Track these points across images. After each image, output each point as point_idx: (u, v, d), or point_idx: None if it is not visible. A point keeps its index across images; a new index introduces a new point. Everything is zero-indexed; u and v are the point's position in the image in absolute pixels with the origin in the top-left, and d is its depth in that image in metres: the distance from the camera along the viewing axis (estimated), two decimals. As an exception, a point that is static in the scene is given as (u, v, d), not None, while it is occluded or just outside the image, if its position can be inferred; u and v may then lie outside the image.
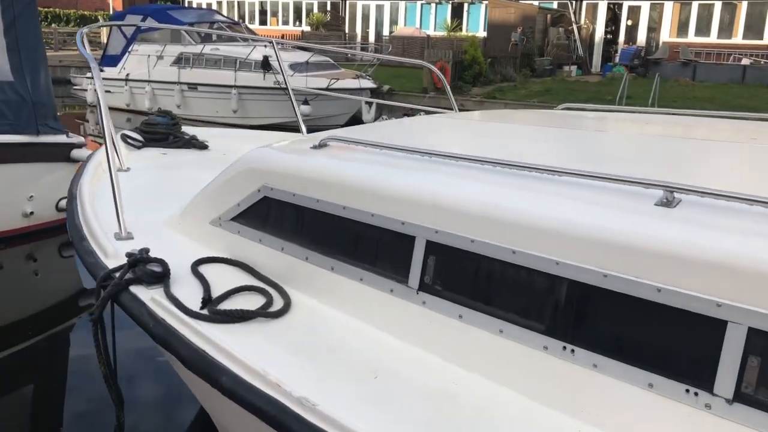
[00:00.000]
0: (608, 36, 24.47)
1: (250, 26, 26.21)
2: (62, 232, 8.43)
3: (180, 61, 17.72)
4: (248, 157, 2.76)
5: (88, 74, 18.33)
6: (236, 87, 16.57)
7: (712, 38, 22.16)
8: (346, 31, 29.15)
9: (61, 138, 7.59)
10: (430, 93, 17.49)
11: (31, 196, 7.56)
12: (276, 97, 16.30)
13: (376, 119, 17.07)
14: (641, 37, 23.61)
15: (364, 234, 2.31)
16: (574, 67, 22.56)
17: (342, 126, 18.56)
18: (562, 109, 4.16)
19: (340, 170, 2.47)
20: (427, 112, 5.07)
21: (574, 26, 23.98)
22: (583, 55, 23.65)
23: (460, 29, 26.55)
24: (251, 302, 2.34)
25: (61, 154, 7.60)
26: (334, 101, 16.24)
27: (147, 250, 2.50)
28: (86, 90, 18.88)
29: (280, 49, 18.51)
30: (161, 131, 4.53)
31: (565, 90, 18.44)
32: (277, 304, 2.35)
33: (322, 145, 2.70)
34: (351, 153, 2.64)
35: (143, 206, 3.22)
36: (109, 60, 19.23)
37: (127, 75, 18.59)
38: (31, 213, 7.64)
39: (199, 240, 2.81)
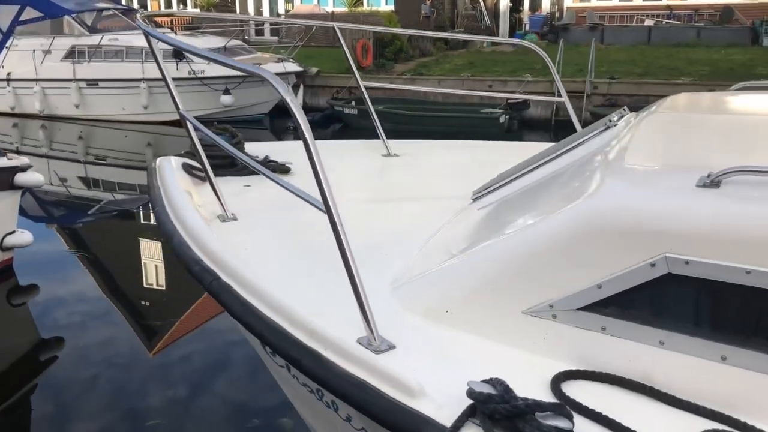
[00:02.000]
0: (511, 4, 24.42)
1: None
2: (8, 276, 7.02)
3: (73, 54, 15.69)
4: (611, 209, 1.84)
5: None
6: (145, 80, 14.87)
7: (614, 1, 22.57)
8: (237, 11, 27.38)
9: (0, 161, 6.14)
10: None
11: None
12: (192, 89, 14.81)
13: (304, 105, 15.97)
14: (545, 4, 23.73)
15: None
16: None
17: (266, 114, 17.45)
18: (738, 89, 3.47)
19: None
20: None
21: (479, -5, 23.76)
22: (490, 24, 23.46)
23: (361, 4, 25.61)
24: None
25: (1, 180, 6.15)
26: (257, 89, 14.98)
27: (506, 387, 1.57)
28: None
29: (188, 34, 16.91)
30: (224, 155, 3.45)
31: (489, 62, 18.07)
32: None
33: (715, 183, 1.81)
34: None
35: (324, 279, 2.25)
36: (-19, 59, 16.77)
37: (8, 74, 16.26)
38: (-33, 254, 6.22)
39: (501, 339, 1.89)
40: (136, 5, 29.75)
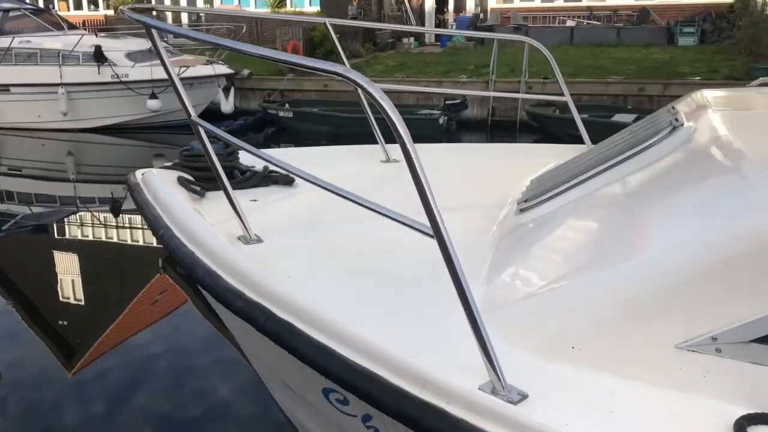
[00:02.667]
0: (436, 5, 24.49)
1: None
2: None
3: (-21, 58, 14.50)
4: None
5: None
6: (64, 85, 13.91)
7: (536, 2, 22.99)
8: (154, 13, 26.21)
9: None
10: (288, 75, 16.11)
11: None
12: (116, 94, 14.00)
13: (235, 109, 15.40)
14: (469, 5, 23.92)
15: None
16: (411, 39, 22.28)
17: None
18: (759, 85, 3.37)
19: None
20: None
21: (403, -4, 23.70)
22: (416, 25, 23.44)
23: (284, 5, 25.06)
24: None
25: None
26: (186, 92, 14.29)
27: None
28: None
29: (108, 36, 15.96)
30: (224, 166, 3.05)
31: (420, 63, 17.99)
32: None
33: None
34: None
35: (397, 309, 1.96)
36: None
37: None
38: None
39: (648, 378, 1.61)
40: (41, 5, 28.03)
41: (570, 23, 21.71)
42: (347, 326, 1.75)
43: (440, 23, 24.09)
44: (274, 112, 15.00)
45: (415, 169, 1.55)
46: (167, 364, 5.33)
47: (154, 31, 2.42)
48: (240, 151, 3.27)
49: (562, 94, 3.96)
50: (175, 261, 2.38)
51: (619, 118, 13.01)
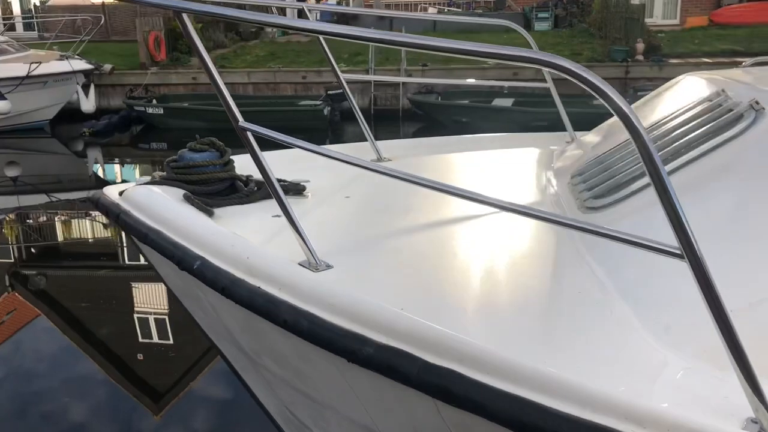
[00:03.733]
0: (296, -7, 23.88)
1: None
2: None
3: None
4: None
5: None
6: None
7: (398, -10, 23.12)
8: (-21, 4, 23.43)
9: None
10: (152, 68, 15.00)
11: None
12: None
13: (97, 108, 14.11)
14: (331, -7, 23.57)
15: None
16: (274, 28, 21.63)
17: (49, 121, 15.03)
18: (753, 64, 3.35)
19: None
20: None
21: (261, -16, 22.88)
22: (277, 14, 22.78)
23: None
24: None
25: None
26: (40, 91, 12.92)
27: None
28: None
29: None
30: (219, 176, 2.54)
31: (291, 52, 17.45)
32: None
33: None
34: None
35: (556, 333, 1.68)
36: None
37: None
38: None
39: None
40: None
41: (432, 11, 22.03)
42: (542, 367, 1.44)
43: (301, 13, 23.56)
44: (141, 109, 13.90)
45: (663, 180, 1.25)
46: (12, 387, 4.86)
47: (185, 16, 1.92)
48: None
49: (544, 80, 3.78)
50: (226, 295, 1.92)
51: (498, 102, 13.34)
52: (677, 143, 2.31)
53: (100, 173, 12.65)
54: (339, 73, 3.37)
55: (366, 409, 1.94)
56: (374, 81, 14.06)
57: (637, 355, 1.58)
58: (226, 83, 2.06)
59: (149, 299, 6.64)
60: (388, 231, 2.40)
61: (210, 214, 2.42)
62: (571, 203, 2.49)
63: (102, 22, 14.28)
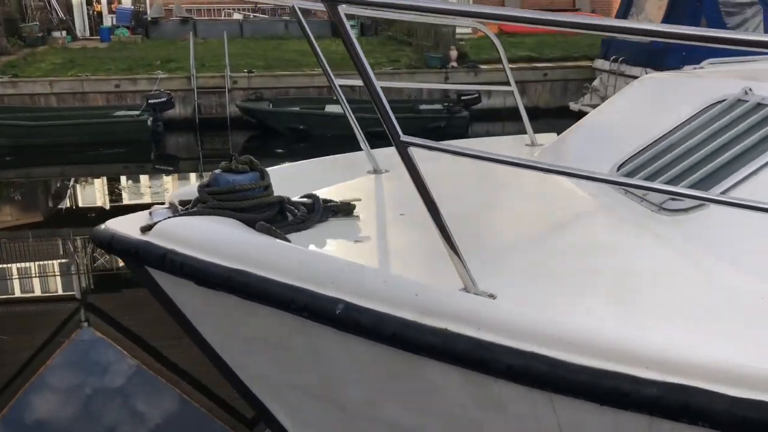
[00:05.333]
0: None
1: None
2: None
3: None
4: None
5: None
6: None
7: (200, -5, 22.17)
8: None
9: None
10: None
11: None
12: None
13: None
14: (124, -4, 21.87)
15: None
16: (63, 33, 19.60)
17: None
18: (649, 77, 3.54)
19: None
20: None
21: (42, -15, 20.62)
22: (65, 18, 20.67)
23: None
24: None
25: None
26: None
27: None
28: None
29: None
30: (268, 200, 2.12)
31: (93, 59, 15.88)
32: None
33: None
34: None
35: None
36: None
37: None
38: None
39: None
40: None
41: (237, 16, 21.46)
42: None
43: (94, 15, 21.62)
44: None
45: None
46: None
47: (341, 9, 1.58)
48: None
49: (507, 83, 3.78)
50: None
51: (330, 108, 13.31)
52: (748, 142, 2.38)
53: None
54: (333, 79, 3.08)
55: None
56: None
57: None
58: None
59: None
60: (495, 239, 2.23)
61: (288, 242, 2.05)
62: (634, 208, 2.47)
63: None
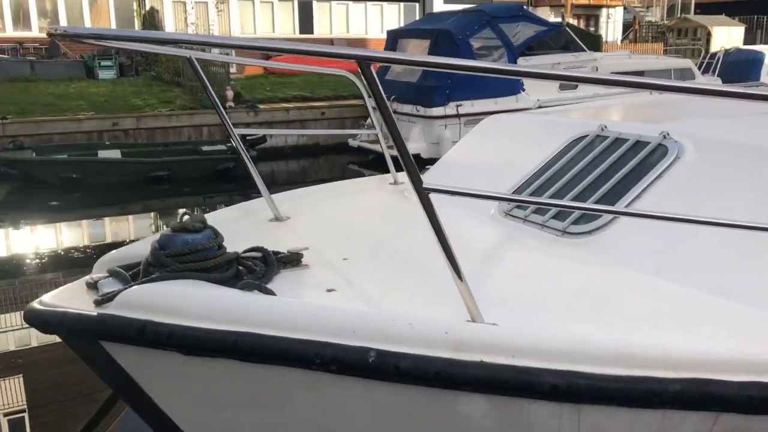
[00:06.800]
0: None
1: None
2: None
3: None
4: None
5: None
6: None
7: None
8: None
9: None
10: None
11: None
12: None
13: None
14: None
15: None
16: None
17: None
18: (494, 118, 3.91)
19: None
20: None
21: None
22: None
23: None
24: None
25: None
26: None
27: None
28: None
29: None
30: (227, 258, 1.92)
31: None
32: None
33: None
34: None
35: None
36: None
37: None
38: None
39: None
40: None
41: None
42: None
43: None
44: None
45: None
46: None
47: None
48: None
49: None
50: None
51: (104, 154, 12.41)
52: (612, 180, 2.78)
53: None
54: (227, 120, 2.96)
55: None
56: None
57: None
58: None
59: None
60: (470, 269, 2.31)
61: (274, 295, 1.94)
62: (538, 235, 2.72)
63: None
